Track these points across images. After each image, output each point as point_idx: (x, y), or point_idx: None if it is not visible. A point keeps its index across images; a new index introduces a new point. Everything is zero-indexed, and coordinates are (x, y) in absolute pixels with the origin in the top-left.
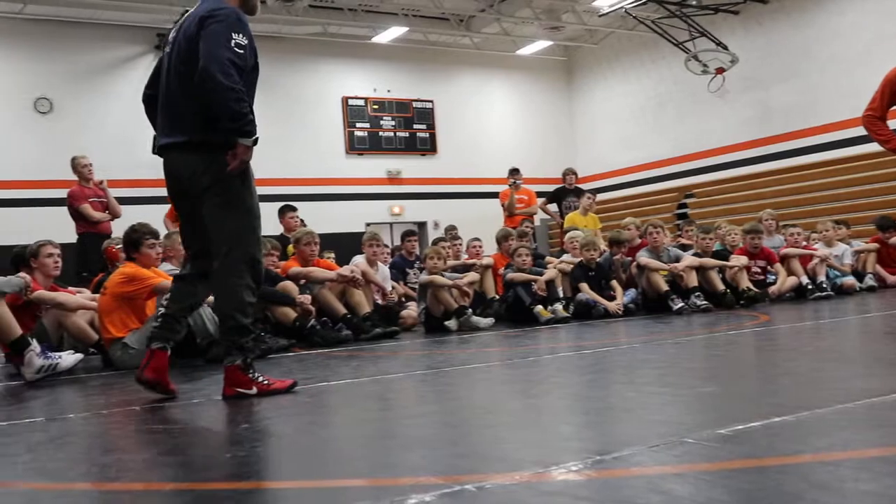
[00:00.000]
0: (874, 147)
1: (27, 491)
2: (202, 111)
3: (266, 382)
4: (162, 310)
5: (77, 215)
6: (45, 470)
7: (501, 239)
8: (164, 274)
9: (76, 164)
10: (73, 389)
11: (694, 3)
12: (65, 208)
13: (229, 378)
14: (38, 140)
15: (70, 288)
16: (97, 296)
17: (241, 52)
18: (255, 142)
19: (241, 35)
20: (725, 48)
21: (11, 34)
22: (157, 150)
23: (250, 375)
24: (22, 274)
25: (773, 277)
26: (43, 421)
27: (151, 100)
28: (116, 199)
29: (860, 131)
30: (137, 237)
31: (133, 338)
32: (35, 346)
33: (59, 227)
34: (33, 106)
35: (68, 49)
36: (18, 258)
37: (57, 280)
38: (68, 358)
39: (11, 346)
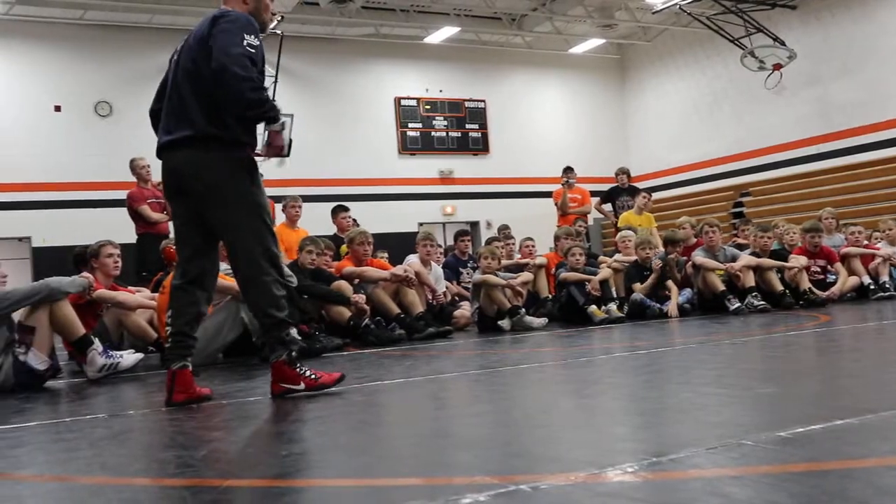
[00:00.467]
0: None
1: (90, 485)
2: (210, 109)
3: (313, 377)
4: (169, 329)
5: (136, 216)
6: (106, 465)
7: (562, 236)
8: (221, 274)
9: (135, 166)
10: (134, 387)
11: None
12: (125, 209)
13: (276, 374)
14: (98, 143)
15: (129, 287)
16: (156, 295)
17: (253, 51)
18: (283, 126)
19: (252, 37)
20: (783, 44)
21: (72, 39)
22: (158, 149)
23: (297, 370)
24: (85, 274)
25: (834, 277)
26: (105, 417)
27: (158, 114)
28: None
29: None
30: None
31: None
32: (97, 345)
33: (119, 228)
34: (94, 109)
35: (127, 53)
36: (80, 258)
37: (117, 279)
38: (129, 357)
39: (75, 345)
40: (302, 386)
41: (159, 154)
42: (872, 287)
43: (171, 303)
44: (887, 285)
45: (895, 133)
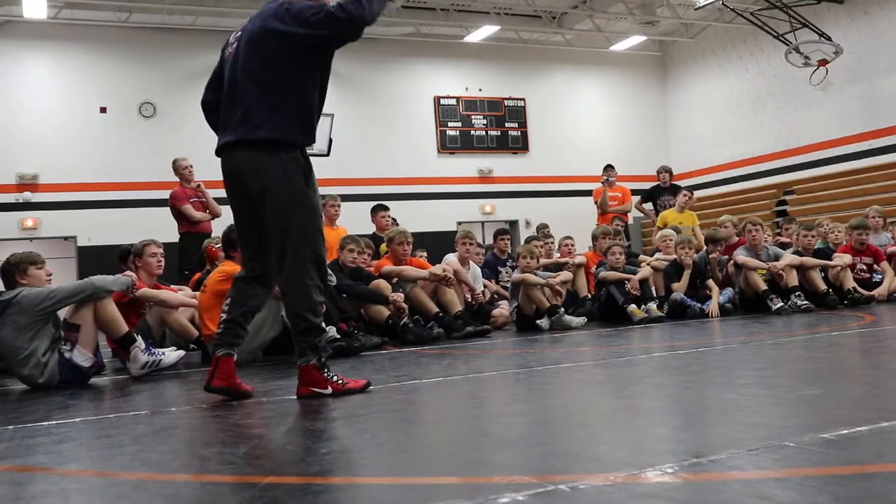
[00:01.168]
0: None
1: (132, 481)
2: (270, 110)
3: (341, 382)
4: (224, 315)
5: (179, 215)
6: (149, 461)
7: (599, 236)
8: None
9: (177, 166)
10: (175, 384)
11: None
12: (168, 209)
13: (305, 377)
14: (142, 143)
15: (171, 286)
16: (198, 293)
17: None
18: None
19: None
20: (829, 39)
21: (118, 41)
22: (218, 149)
23: (325, 375)
24: (128, 273)
25: (880, 277)
26: (147, 414)
27: (213, 105)
28: (215, 199)
29: None
30: (235, 236)
31: None
32: (140, 342)
33: (162, 227)
34: (138, 111)
35: (170, 55)
36: (124, 256)
37: (159, 278)
38: (171, 355)
39: (118, 342)
40: (329, 390)
41: (218, 154)
42: None
43: (230, 292)
44: None
45: None
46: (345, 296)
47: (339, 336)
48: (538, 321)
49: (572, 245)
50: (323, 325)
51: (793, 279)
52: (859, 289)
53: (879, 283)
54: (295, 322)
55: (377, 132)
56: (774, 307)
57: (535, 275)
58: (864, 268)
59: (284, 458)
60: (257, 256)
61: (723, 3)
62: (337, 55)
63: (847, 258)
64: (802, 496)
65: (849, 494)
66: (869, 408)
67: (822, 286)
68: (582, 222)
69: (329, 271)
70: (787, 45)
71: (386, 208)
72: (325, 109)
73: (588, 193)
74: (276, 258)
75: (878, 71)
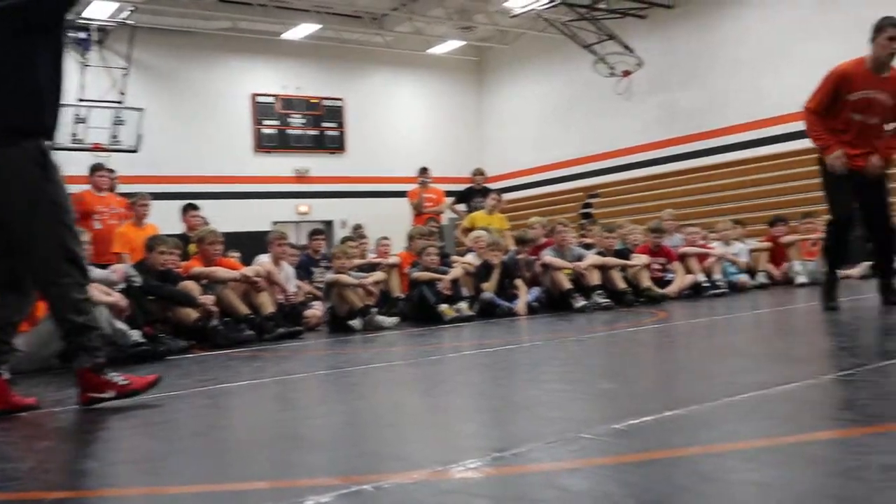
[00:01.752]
0: (774, 149)
1: None
2: None
3: (124, 382)
4: None
5: None
6: None
7: (416, 236)
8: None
9: None
10: None
11: (603, 6)
12: None
13: (83, 383)
14: None
15: None
16: None
17: None
18: None
19: None
20: (631, 51)
21: None
22: None
23: (103, 377)
24: None
25: (672, 276)
26: None
27: None
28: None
29: (762, 134)
30: None
31: (20, 340)
32: None
33: None
34: None
35: None
36: None
37: None
38: None
39: None
40: (111, 394)
41: None
42: (706, 284)
43: None
44: (719, 283)
45: (733, 139)
46: (151, 298)
47: (143, 340)
48: (350, 322)
49: (389, 246)
50: (91, 323)
51: (595, 278)
52: (654, 287)
53: (672, 282)
54: (61, 325)
55: (190, 128)
56: (577, 305)
57: (349, 275)
58: (659, 267)
59: (75, 472)
60: (1, 260)
61: (537, 13)
62: (149, 48)
63: (644, 258)
64: (593, 485)
65: (636, 480)
66: (657, 398)
67: (622, 284)
68: (398, 223)
69: (134, 272)
70: (595, 55)
71: (196, 207)
72: (134, 104)
73: (404, 194)
74: (27, 261)
75: (674, 83)
